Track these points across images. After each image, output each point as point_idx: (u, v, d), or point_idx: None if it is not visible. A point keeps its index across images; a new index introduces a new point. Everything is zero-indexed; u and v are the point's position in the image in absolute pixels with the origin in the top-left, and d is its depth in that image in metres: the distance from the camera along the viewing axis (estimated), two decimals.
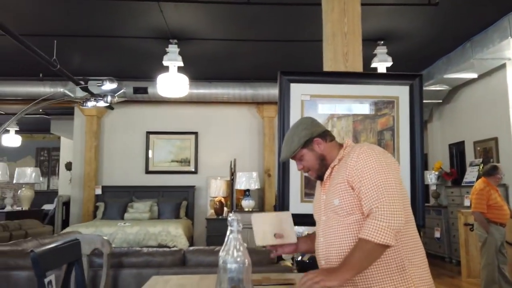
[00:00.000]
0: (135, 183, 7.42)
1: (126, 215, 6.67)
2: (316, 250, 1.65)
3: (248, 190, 6.60)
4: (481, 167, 5.93)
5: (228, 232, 1.15)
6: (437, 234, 6.72)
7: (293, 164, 2.44)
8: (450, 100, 7.14)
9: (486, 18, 4.65)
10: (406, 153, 2.45)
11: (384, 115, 2.48)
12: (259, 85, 6.84)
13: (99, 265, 2.59)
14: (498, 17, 4.62)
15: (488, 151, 6.08)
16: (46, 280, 1.50)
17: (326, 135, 1.65)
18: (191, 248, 2.87)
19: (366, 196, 1.43)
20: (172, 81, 5.19)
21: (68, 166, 9.29)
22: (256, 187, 6.60)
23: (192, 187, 7.44)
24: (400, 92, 2.50)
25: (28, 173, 6.71)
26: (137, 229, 5.76)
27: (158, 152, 7.58)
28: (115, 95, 5.84)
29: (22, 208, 6.74)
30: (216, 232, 6.30)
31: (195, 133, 7.64)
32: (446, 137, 7.33)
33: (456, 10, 4.46)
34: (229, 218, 1.15)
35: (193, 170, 7.58)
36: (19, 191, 6.84)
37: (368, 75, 2.63)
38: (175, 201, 7.09)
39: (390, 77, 2.62)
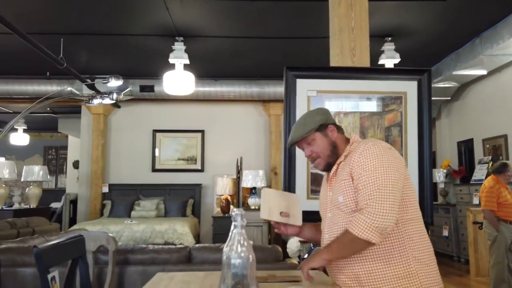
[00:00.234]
0: (141, 181, 7.43)
1: (133, 213, 6.69)
2: (322, 247, 1.63)
3: (254, 188, 6.59)
4: (490, 165, 5.86)
5: (232, 227, 1.13)
6: (445, 233, 6.65)
7: (299, 161, 2.41)
8: (458, 97, 7.05)
9: (496, 13, 4.58)
10: (414, 149, 2.41)
11: (391, 111, 2.45)
12: (265, 82, 6.82)
13: (105, 262, 2.58)
14: (508, 13, 4.54)
15: (497, 148, 6.00)
16: (49, 276, 1.49)
17: (339, 126, 1.66)
18: (197, 245, 2.85)
19: (361, 192, 1.44)
20: (178, 79, 5.19)
21: (76, 165, 9.34)
22: (263, 185, 6.58)
23: (199, 185, 7.44)
24: (408, 88, 2.47)
25: (36, 171, 6.75)
26: (144, 227, 5.77)
27: (164, 150, 7.59)
28: (122, 92, 5.85)
29: (29, 206, 6.78)
30: (222, 230, 6.28)
31: (202, 131, 7.63)
32: (455, 135, 7.25)
33: (465, 6, 4.39)
34: (233, 213, 1.13)
35: (200, 168, 7.58)
36: (27, 189, 6.88)
37: (376, 70, 2.60)
38: (182, 199, 7.10)
39: (398, 72, 2.58)
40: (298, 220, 1.68)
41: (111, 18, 4.68)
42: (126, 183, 7.39)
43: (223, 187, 7.05)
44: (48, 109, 8.63)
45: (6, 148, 10.51)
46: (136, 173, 7.49)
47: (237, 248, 1.09)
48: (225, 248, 1.12)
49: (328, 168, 1.62)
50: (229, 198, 6.86)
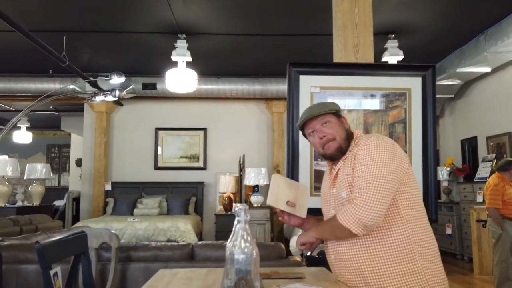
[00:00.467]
0: (144, 179, 7.43)
1: (136, 211, 6.70)
2: (325, 245, 1.62)
3: (257, 186, 6.57)
4: (494, 162, 5.83)
5: (235, 222, 1.12)
6: (449, 231, 6.62)
7: (302, 159, 2.40)
8: (462, 95, 7.02)
9: (500, 10, 4.54)
10: (418, 145, 2.39)
11: (395, 108, 2.43)
12: (268, 80, 6.80)
13: (107, 259, 2.58)
14: None
15: (501, 146, 5.97)
16: (51, 272, 1.48)
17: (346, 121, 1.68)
18: (200, 242, 2.84)
19: (355, 183, 1.45)
20: (180, 76, 5.18)
21: (78, 163, 9.36)
22: (265, 183, 6.57)
23: (201, 183, 7.43)
24: (412, 84, 2.44)
25: (39, 169, 6.76)
26: (146, 225, 5.78)
27: (167, 148, 7.59)
28: (124, 90, 5.84)
29: (32, 204, 6.78)
30: (225, 228, 6.27)
31: (204, 129, 7.62)
32: (458, 133, 7.22)
33: (469, 2, 4.36)
34: (236, 208, 1.11)
35: (202, 166, 7.57)
36: (30, 187, 6.89)
37: (380, 67, 2.58)
38: (184, 197, 7.10)
39: (402, 68, 2.56)
40: (303, 212, 1.68)
41: (114, 15, 4.67)
42: (129, 181, 7.39)
43: (225, 185, 7.04)
44: (51, 107, 8.65)
45: (9, 146, 10.53)
46: (139, 171, 7.50)
47: (240, 244, 1.08)
48: (229, 244, 1.11)
49: (337, 153, 1.58)
50: (231, 196, 6.85)
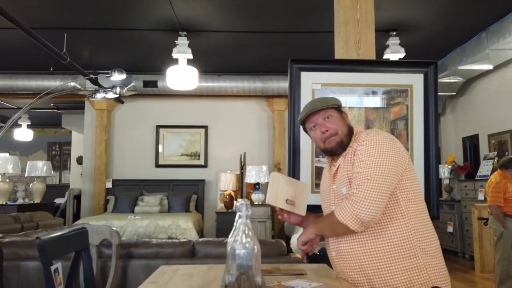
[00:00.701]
0: (145, 176, 7.43)
1: (137, 209, 6.70)
2: (326, 242, 1.62)
3: (258, 183, 6.57)
4: (495, 160, 5.81)
5: (236, 217, 1.11)
6: (450, 229, 6.62)
7: (303, 155, 2.39)
8: (464, 93, 7.00)
9: (502, 7, 4.52)
10: (420, 142, 2.38)
11: (397, 104, 2.42)
12: (269, 78, 6.78)
13: (108, 255, 2.57)
14: None
15: (503, 144, 5.95)
16: (52, 268, 1.48)
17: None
18: (201, 239, 2.84)
19: (354, 180, 1.44)
20: (181, 74, 5.17)
21: (79, 160, 9.36)
22: (266, 180, 6.56)
23: (202, 180, 7.43)
24: (414, 81, 2.43)
25: (40, 166, 6.76)
26: (147, 222, 5.77)
27: (168, 145, 7.59)
28: (125, 87, 5.83)
29: (33, 201, 6.79)
30: (226, 226, 6.27)
31: (205, 127, 7.62)
32: (460, 130, 7.20)
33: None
34: (237, 203, 1.11)
35: (203, 163, 7.57)
36: (30, 185, 6.89)
37: (381, 63, 2.57)
38: (185, 194, 7.10)
39: (403, 65, 2.55)
40: (302, 210, 1.67)
41: (115, 12, 4.66)
42: (130, 178, 7.39)
43: (226, 183, 7.04)
44: (51, 104, 8.65)
45: (10, 143, 10.54)
46: (140, 168, 7.49)
47: (242, 239, 1.07)
48: (230, 239, 1.10)
49: (338, 148, 1.57)
50: (232, 193, 6.85)
